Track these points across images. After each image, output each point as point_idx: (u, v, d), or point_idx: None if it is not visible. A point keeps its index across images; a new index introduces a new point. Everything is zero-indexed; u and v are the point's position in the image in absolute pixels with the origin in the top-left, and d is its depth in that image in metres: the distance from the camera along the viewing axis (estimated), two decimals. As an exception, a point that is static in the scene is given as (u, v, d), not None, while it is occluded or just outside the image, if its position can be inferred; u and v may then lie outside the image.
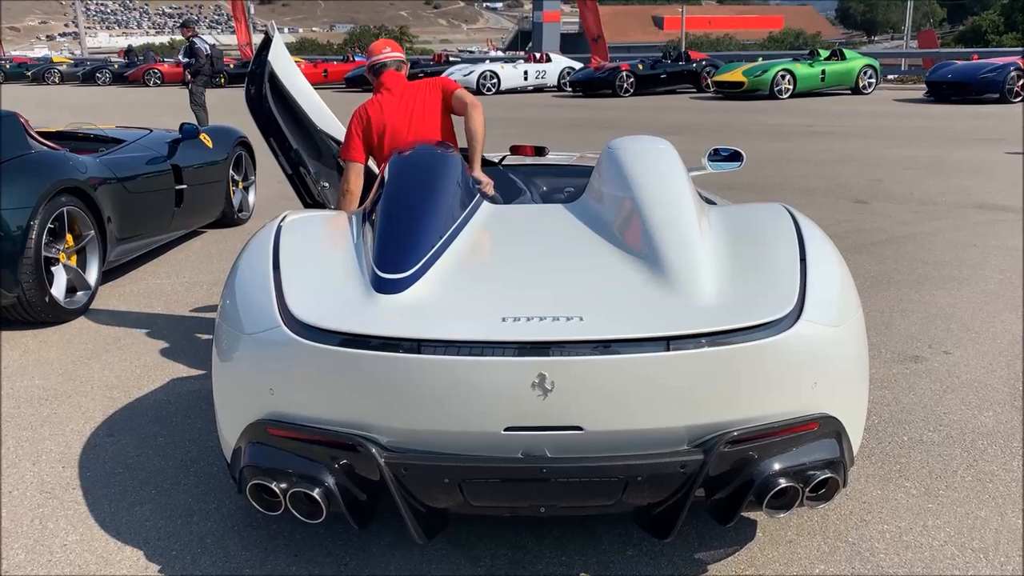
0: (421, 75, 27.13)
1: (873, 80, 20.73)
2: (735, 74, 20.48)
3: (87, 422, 3.42)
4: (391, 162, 2.88)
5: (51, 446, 3.22)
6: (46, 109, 18.90)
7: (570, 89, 23.99)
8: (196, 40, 12.17)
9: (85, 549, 2.55)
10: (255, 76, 4.06)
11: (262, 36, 4.17)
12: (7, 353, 4.22)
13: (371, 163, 3.88)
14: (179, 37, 12.84)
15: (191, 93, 12.23)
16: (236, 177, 7.06)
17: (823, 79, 20.24)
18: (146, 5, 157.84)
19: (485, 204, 2.89)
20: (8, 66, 36.60)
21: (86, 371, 3.97)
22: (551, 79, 25.24)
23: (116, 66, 34.66)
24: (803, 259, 2.34)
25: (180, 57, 12.23)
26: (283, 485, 2.13)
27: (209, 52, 12.20)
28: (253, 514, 2.65)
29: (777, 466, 2.10)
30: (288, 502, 2.14)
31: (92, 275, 4.90)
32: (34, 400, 3.65)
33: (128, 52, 36.74)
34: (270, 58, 4.05)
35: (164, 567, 2.46)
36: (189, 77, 12.22)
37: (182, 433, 3.30)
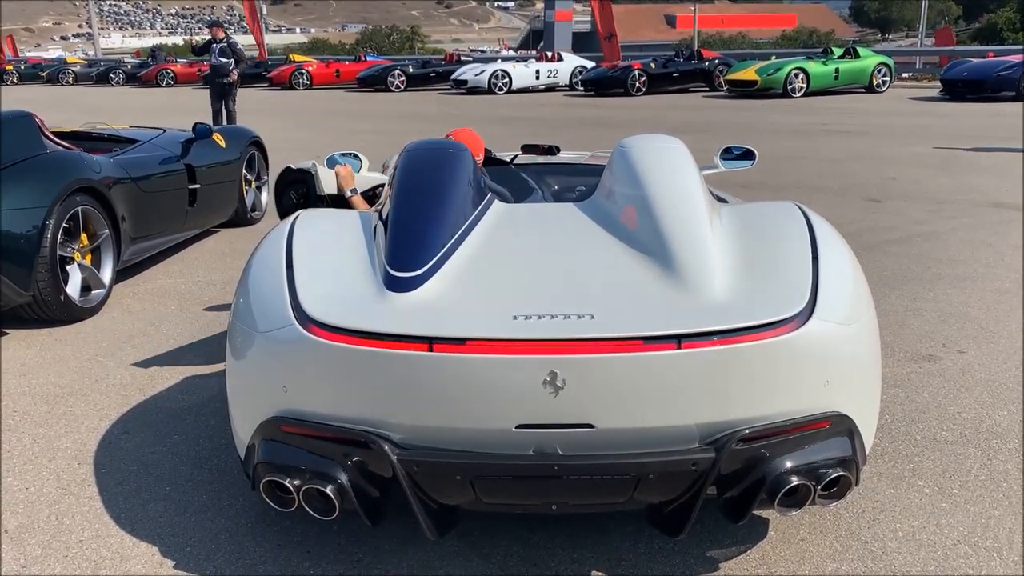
0: (433, 74, 27.24)
1: (887, 78, 20.59)
2: (748, 73, 20.39)
3: (102, 420, 3.45)
4: (402, 160, 2.88)
5: (67, 443, 3.25)
6: (59, 109, 19.04)
7: (582, 88, 23.92)
8: (235, 40, 12.43)
9: (101, 545, 2.58)
10: None
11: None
12: (23, 351, 4.26)
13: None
14: (188, 37, 12.90)
15: (231, 93, 12.49)
16: (249, 177, 7.09)
17: (837, 77, 20.11)
18: (159, 6, 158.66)
19: (496, 203, 2.90)
20: (23, 67, 36.84)
21: (101, 369, 4.00)
22: (563, 78, 25.18)
23: (129, 66, 34.86)
24: (815, 257, 2.34)
25: (217, 58, 12.30)
26: (296, 482, 2.15)
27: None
28: (267, 511, 2.66)
29: (789, 464, 2.10)
30: (301, 499, 2.16)
31: (106, 274, 4.94)
32: (50, 397, 3.68)
33: (153, 52, 36.84)
34: None
35: (179, 563, 2.48)
36: (234, 77, 12.51)
37: (196, 431, 3.33)
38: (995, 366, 3.81)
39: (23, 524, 2.70)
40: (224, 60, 12.31)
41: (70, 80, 33.93)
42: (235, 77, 12.55)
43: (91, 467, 3.06)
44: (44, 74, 34.97)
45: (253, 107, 17.91)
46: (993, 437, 3.15)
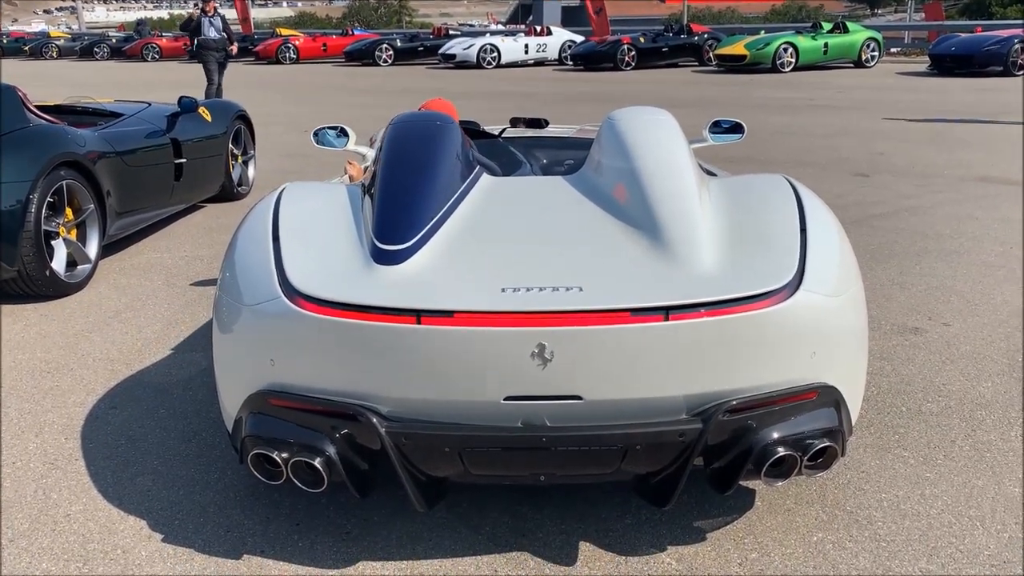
0: (421, 48, 27.03)
1: (876, 53, 20.58)
2: (737, 47, 20.33)
3: (89, 394, 3.44)
4: (389, 133, 2.86)
5: (53, 418, 3.24)
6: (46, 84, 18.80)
7: (571, 63, 23.80)
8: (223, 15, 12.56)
9: (88, 519, 2.58)
10: None
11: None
12: (9, 326, 4.23)
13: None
14: (192, 11, 12.80)
15: (223, 66, 12.55)
16: (235, 151, 7.04)
17: (826, 52, 20.09)
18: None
19: (485, 176, 2.89)
20: (5, 41, 36.33)
21: (87, 344, 3.98)
22: (552, 53, 25.03)
23: (114, 40, 34.45)
24: (803, 230, 2.34)
25: (219, 32, 12.27)
26: (284, 455, 2.15)
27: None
28: (255, 484, 2.66)
29: (775, 435, 2.11)
30: (289, 471, 2.16)
31: (92, 249, 4.90)
32: (36, 373, 3.66)
33: (138, 26, 36.39)
34: None
35: (167, 536, 2.48)
36: (235, 51, 12.78)
37: (184, 405, 3.32)
38: (980, 339, 3.84)
39: (10, 498, 2.69)
40: (223, 35, 12.36)
41: (53, 54, 33.49)
42: (236, 50, 12.81)
43: (78, 441, 3.05)
44: (27, 48, 34.51)
45: (240, 81, 17.74)
46: (977, 408, 3.17)
